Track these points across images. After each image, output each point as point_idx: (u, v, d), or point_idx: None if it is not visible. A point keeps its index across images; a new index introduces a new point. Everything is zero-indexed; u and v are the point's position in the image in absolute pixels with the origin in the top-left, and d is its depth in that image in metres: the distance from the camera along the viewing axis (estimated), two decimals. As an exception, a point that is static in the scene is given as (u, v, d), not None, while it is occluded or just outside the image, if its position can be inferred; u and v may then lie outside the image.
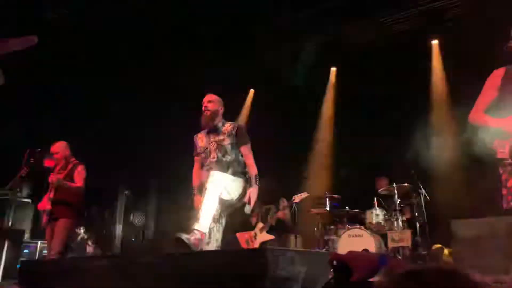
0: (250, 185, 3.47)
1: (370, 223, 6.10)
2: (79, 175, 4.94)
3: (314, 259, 2.47)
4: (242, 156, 3.63)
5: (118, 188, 8.94)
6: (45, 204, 4.86)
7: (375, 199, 6.33)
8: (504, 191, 2.75)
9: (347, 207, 6.52)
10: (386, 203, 6.51)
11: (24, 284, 2.86)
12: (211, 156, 3.55)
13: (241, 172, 3.59)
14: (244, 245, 5.35)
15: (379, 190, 6.40)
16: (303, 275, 2.23)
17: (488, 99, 2.95)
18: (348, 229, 5.96)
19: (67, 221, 4.72)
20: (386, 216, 6.14)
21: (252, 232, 5.49)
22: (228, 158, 3.53)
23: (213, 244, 3.28)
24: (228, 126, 3.67)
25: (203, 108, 3.68)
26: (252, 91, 9.26)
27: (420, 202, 5.98)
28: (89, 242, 7.78)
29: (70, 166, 5.03)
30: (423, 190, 6.02)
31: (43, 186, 7.97)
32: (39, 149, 5.33)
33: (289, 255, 2.15)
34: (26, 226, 7.34)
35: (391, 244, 5.60)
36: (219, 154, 3.52)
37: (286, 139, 8.35)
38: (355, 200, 7.04)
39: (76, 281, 2.56)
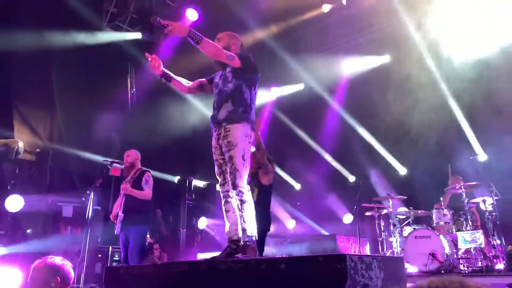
0: None
1: (438, 223, 5.87)
2: (147, 183, 5.09)
3: (390, 264, 2.45)
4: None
5: (180, 193, 9.27)
6: (117, 213, 5.01)
7: (441, 198, 6.10)
8: None
9: (411, 207, 6.35)
10: (452, 202, 6.27)
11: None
12: None
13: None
14: None
15: (446, 189, 6.15)
16: (381, 281, 2.22)
17: None
18: (415, 229, 5.77)
19: (139, 229, 4.88)
20: (455, 216, 5.89)
21: None
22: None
23: None
24: None
25: None
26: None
27: (491, 200, 5.67)
28: (155, 246, 8.10)
29: (137, 174, 5.18)
30: (493, 187, 5.71)
31: (110, 194, 8.50)
32: (109, 160, 5.64)
33: (367, 261, 2.15)
34: (98, 231, 7.79)
35: (462, 245, 5.35)
36: None
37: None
38: (417, 200, 6.88)
39: (159, 286, 2.70)
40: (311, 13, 8.89)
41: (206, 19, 8.48)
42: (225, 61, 3.28)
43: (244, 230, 3.12)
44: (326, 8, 8.69)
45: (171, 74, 3.58)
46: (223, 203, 3.36)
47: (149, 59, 3.44)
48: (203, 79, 3.66)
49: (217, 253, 3.37)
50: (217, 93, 3.42)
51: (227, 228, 3.31)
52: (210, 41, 3.16)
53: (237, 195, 3.16)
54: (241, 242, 3.14)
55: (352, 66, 9.25)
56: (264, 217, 4.54)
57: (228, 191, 3.30)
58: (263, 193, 4.64)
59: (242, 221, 3.13)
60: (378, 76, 8.65)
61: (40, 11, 7.91)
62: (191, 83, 3.66)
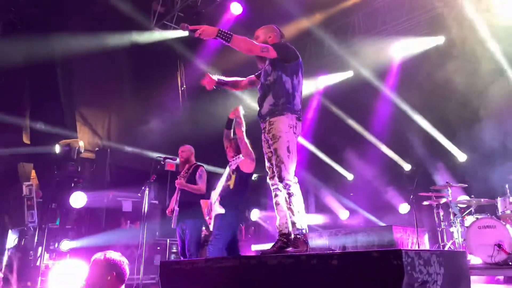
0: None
1: (504, 212, 5.49)
2: (200, 177, 5.19)
3: (452, 258, 2.31)
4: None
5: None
6: (173, 207, 5.12)
7: (507, 185, 5.69)
8: None
9: (472, 196, 6.00)
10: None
11: (164, 283, 3.16)
12: None
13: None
14: (205, 215, 4.62)
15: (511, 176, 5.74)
16: (442, 277, 2.10)
17: None
18: (477, 219, 5.44)
19: (195, 222, 4.97)
20: (523, 204, 5.49)
21: (209, 201, 4.50)
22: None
23: None
24: None
25: None
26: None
27: None
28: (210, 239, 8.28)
29: (191, 168, 5.28)
30: None
31: (166, 188, 8.80)
32: (162, 157, 5.81)
33: (425, 256, 2.04)
34: (156, 225, 8.10)
35: (532, 236, 4.97)
36: None
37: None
38: (479, 188, 6.48)
39: (210, 281, 2.75)
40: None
41: (251, 11, 8.46)
42: (260, 54, 3.25)
43: (293, 223, 3.08)
44: (373, -10, 8.38)
45: (224, 79, 3.65)
46: (273, 196, 3.35)
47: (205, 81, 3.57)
48: (253, 76, 3.68)
49: (269, 245, 3.38)
50: (260, 88, 3.44)
51: (277, 221, 3.30)
52: (240, 37, 3.13)
53: (284, 188, 3.11)
54: (292, 236, 3.12)
55: (403, 49, 8.85)
56: (238, 208, 4.40)
57: (277, 184, 3.28)
58: (241, 182, 4.40)
59: (291, 214, 3.09)
60: (431, 58, 8.21)
61: (94, 15, 8.29)
62: (242, 79, 3.71)
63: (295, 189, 3.13)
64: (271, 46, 3.26)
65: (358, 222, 9.11)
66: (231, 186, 4.41)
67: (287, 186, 3.10)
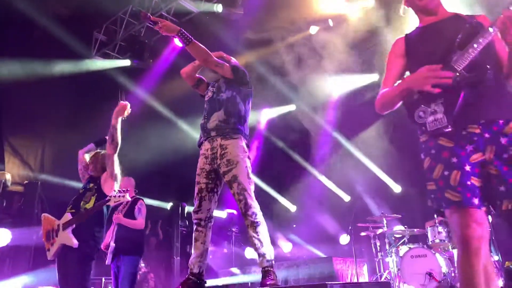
0: None
1: (433, 241, 5.76)
2: (140, 212, 4.99)
3: (376, 290, 2.35)
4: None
5: (173, 220, 9.12)
6: (108, 242, 4.82)
7: (435, 215, 5.99)
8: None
9: (406, 226, 6.25)
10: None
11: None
12: None
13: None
14: (44, 238, 3.67)
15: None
16: (367, 309, 2.13)
17: (396, 71, 2.25)
18: (410, 248, 5.65)
19: (132, 259, 4.74)
20: (450, 233, 5.78)
21: (56, 223, 3.60)
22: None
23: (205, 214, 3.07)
24: None
25: None
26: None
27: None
28: (150, 276, 7.92)
29: (129, 202, 4.95)
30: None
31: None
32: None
33: (349, 289, 2.06)
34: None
35: (459, 264, 5.22)
36: None
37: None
38: (413, 218, 6.78)
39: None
40: (299, 35, 8.98)
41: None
42: (213, 68, 3.18)
43: (262, 255, 2.83)
44: (313, 30, 8.80)
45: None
46: (194, 229, 3.10)
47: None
48: (204, 79, 3.49)
49: (210, 280, 3.24)
50: (209, 101, 3.27)
51: (191, 258, 3.06)
52: (200, 45, 3.05)
53: (250, 216, 2.86)
54: (267, 268, 2.82)
55: (341, 85, 9.29)
56: (92, 235, 3.58)
57: (201, 219, 3.06)
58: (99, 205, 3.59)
59: (259, 245, 2.84)
60: (368, 94, 8.67)
61: (29, 41, 7.96)
62: (197, 74, 3.48)
63: (261, 217, 2.92)
64: (230, 67, 3.21)
65: (301, 255, 9.14)
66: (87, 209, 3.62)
67: (254, 215, 2.88)
